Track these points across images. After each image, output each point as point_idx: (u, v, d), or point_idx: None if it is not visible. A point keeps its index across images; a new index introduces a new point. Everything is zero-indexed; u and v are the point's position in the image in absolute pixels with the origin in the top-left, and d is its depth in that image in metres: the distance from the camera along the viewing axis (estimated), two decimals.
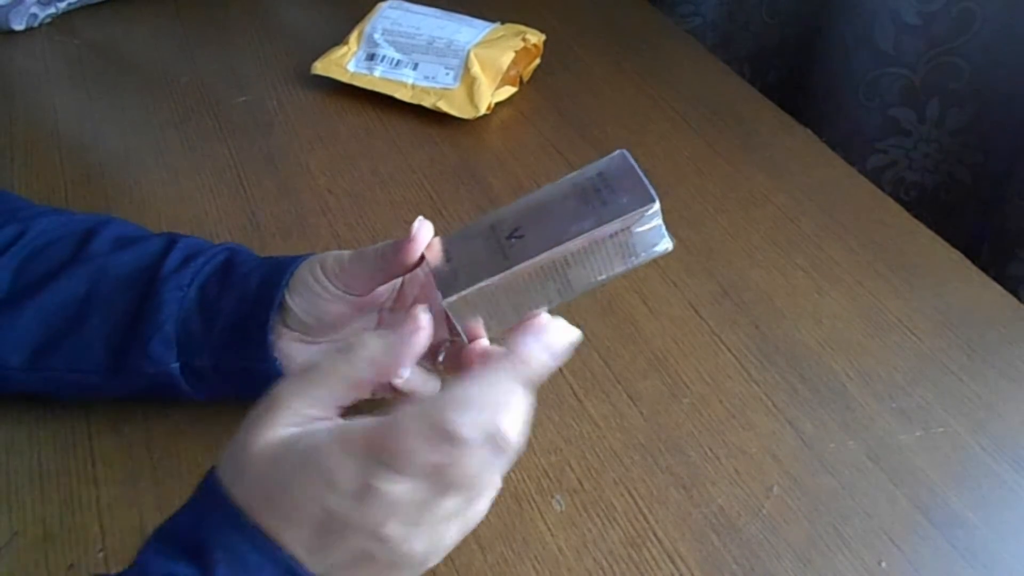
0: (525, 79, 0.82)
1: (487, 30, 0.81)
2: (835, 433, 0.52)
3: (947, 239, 0.66)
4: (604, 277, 0.43)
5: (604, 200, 0.42)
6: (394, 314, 0.50)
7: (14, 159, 0.73)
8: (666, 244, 0.43)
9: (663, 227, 0.42)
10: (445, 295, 0.42)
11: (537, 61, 0.83)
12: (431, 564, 0.36)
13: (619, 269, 0.43)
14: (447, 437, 0.32)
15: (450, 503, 0.34)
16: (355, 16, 0.84)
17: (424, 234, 0.44)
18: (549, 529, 0.48)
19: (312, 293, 0.46)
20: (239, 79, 0.82)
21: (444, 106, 0.76)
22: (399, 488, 0.33)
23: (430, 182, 0.71)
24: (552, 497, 0.49)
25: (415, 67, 0.78)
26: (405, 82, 0.78)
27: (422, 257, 0.44)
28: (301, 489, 0.34)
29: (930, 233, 0.66)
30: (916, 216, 0.68)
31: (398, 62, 0.79)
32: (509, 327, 0.45)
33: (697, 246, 0.65)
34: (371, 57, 0.80)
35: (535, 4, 0.93)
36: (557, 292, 0.44)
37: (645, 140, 0.75)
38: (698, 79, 0.83)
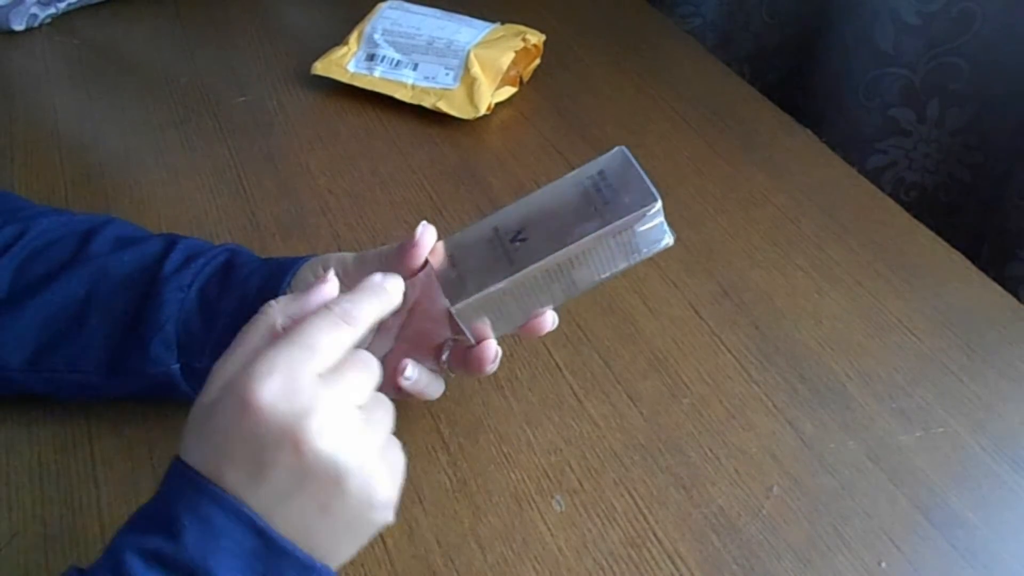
0: (525, 79, 0.82)
1: (487, 30, 0.81)
2: (835, 433, 0.52)
3: (947, 239, 0.66)
4: (608, 275, 0.44)
5: (606, 199, 0.42)
6: (395, 316, 0.50)
7: (14, 159, 0.73)
8: (668, 240, 0.43)
9: (664, 223, 0.43)
10: (453, 302, 0.43)
11: (537, 61, 0.83)
12: (375, 491, 0.36)
13: (622, 266, 0.43)
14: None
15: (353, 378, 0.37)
16: (355, 16, 0.84)
17: (428, 239, 0.44)
18: (549, 529, 0.48)
19: None
20: (239, 79, 0.82)
21: (444, 106, 0.76)
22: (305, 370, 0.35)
23: (430, 182, 0.71)
24: (552, 497, 0.49)
25: (415, 67, 0.78)
26: (405, 82, 0.78)
27: (426, 261, 0.44)
28: (223, 416, 0.35)
29: (930, 233, 0.66)
30: (916, 216, 0.68)
31: (398, 62, 0.79)
32: (515, 327, 0.46)
33: (697, 246, 0.65)
34: (371, 57, 0.80)
35: (535, 4, 0.93)
36: (562, 291, 0.44)
37: (645, 140, 0.75)
38: (698, 79, 0.83)
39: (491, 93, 0.76)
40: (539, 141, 0.75)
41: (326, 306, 0.38)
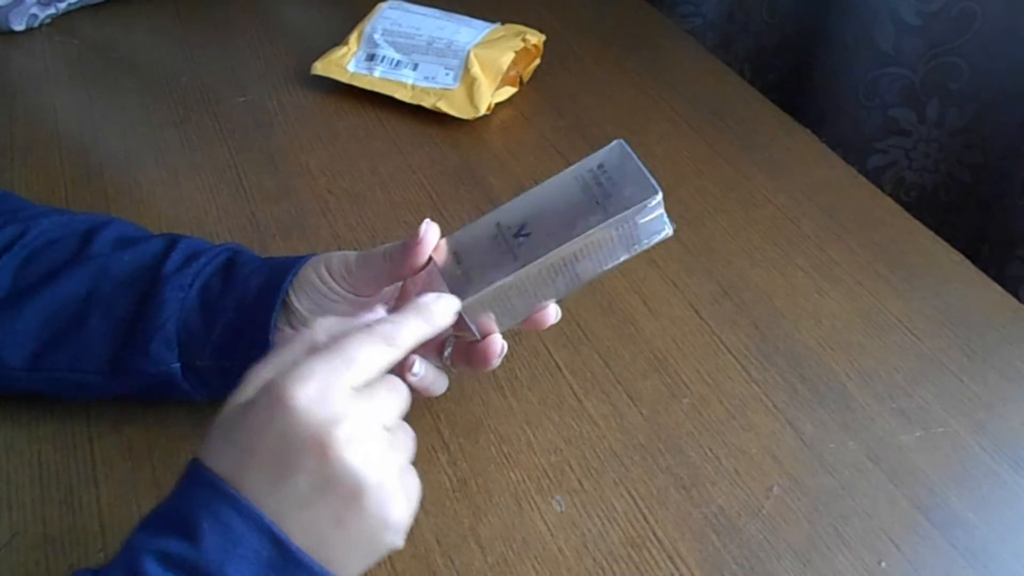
0: (525, 79, 0.82)
1: (487, 30, 0.81)
2: (835, 433, 0.52)
3: (947, 239, 0.66)
4: (610, 266, 0.44)
5: (607, 192, 0.42)
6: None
7: (14, 159, 0.73)
8: (667, 230, 0.44)
9: (664, 214, 0.43)
10: (460, 298, 0.43)
11: (537, 61, 0.83)
12: (391, 511, 0.36)
13: (623, 257, 0.44)
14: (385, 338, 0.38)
15: (382, 401, 0.37)
16: (355, 16, 0.84)
17: (432, 236, 0.44)
18: (549, 529, 0.48)
19: (319, 294, 0.46)
20: (239, 79, 0.82)
21: (444, 106, 0.76)
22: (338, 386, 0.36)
23: (430, 182, 0.71)
24: (552, 497, 0.49)
25: (415, 67, 0.78)
26: (405, 82, 0.78)
27: (429, 258, 0.45)
28: (255, 415, 0.35)
29: (930, 233, 0.66)
30: (916, 216, 0.68)
31: (398, 62, 0.79)
32: (519, 321, 0.46)
33: (697, 246, 0.65)
34: (371, 57, 0.80)
35: (535, 4, 0.93)
36: (565, 285, 0.44)
37: (645, 140, 0.75)
38: (698, 79, 0.83)
39: (491, 93, 0.76)
40: (539, 141, 0.75)
41: (369, 325, 0.39)
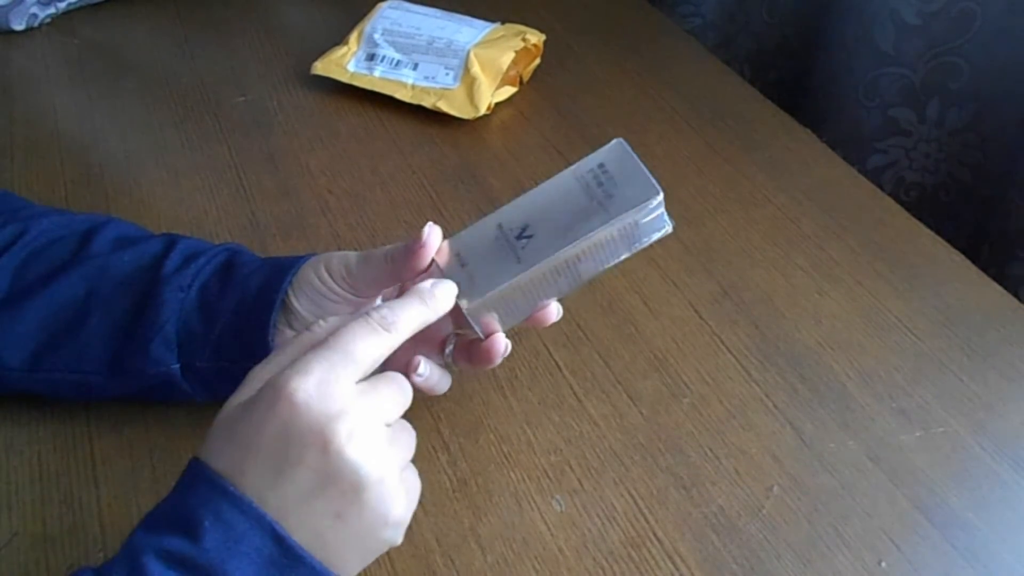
0: (525, 79, 0.82)
1: (487, 30, 0.81)
2: (835, 433, 0.52)
3: (947, 239, 0.66)
4: (611, 264, 0.45)
5: (608, 193, 0.43)
6: None
7: (14, 159, 0.73)
8: (668, 228, 0.44)
9: (664, 212, 0.43)
10: (465, 301, 0.43)
11: (537, 61, 0.83)
12: (391, 507, 0.37)
13: (624, 256, 0.44)
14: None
15: (384, 396, 0.38)
16: (355, 16, 0.84)
17: (434, 239, 0.44)
18: (549, 529, 0.48)
19: (318, 294, 0.46)
20: (239, 79, 0.82)
21: (444, 106, 0.76)
22: (342, 380, 0.36)
23: (430, 182, 0.71)
24: (552, 497, 0.49)
25: (415, 67, 0.78)
26: (405, 82, 0.78)
27: (432, 260, 0.45)
28: (256, 411, 0.36)
29: (930, 233, 0.66)
30: (916, 216, 0.68)
31: (398, 62, 0.79)
32: (522, 319, 0.46)
33: (697, 246, 0.65)
34: (371, 57, 0.80)
35: (535, 4, 0.93)
36: (567, 284, 0.45)
37: (645, 140, 0.75)
38: (698, 79, 0.83)
39: (491, 93, 0.76)
40: (539, 141, 0.75)
41: (365, 312, 0.39)
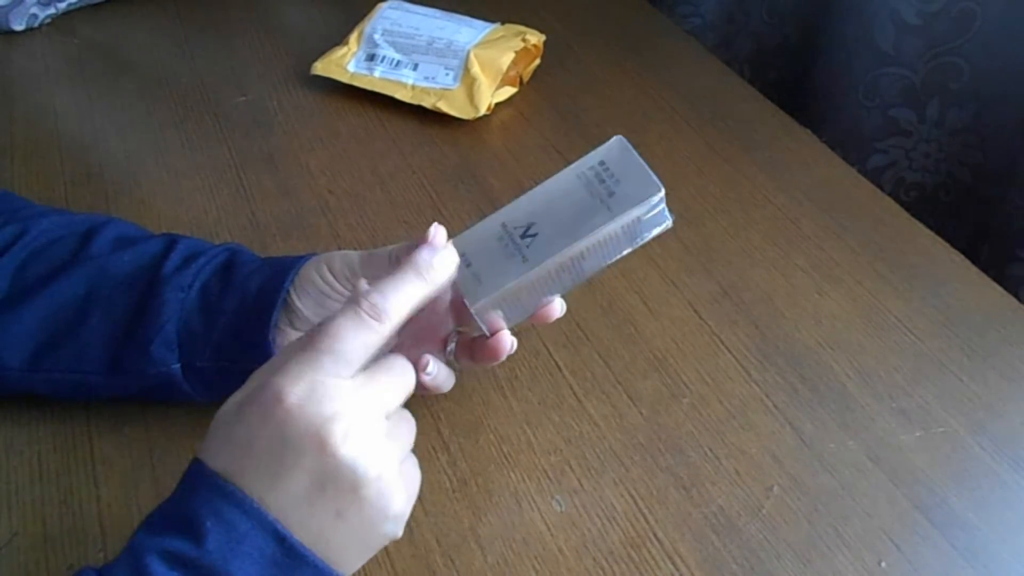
0: (525, 79, 0.82)
1: (487, 30, 0.81)
2: (835, 433, 0.52)
3: (947, 239, 0.66)
4: (613, 260, 0.45)
5: (610, 190, 0.43)
6: None
7: (14, 159, 0.73)
8: (668, 223, 0.45)
9: (666, 208, 0.44)
10: (471, 300, 0.44)
11: (537, 61, 0.83)
12: (390, 501, 0.37)
13: (627, 250, 0.45)
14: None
15: (380, 390, 0.37)
16: (355, 16, 0.84)
17: (440, 239, 0.44)
18: (549, 529, 0.48)
19: (320, 294, 0.46)
20: (239, 79, 0.82)
21: (444, 106, 0.76)
22: (338, 378, 0.36)
23: (430, 182, 0.71)
24: (552, 497, 0.49)
25: (415, 67, 0.78)
26: (405, 82, 0.78)
27: None
28: (251, 415, 0.35)
29: (930, 233, 0.66)
30: (916, 216, 0.68)
31: (398, 62, 0.79)
32: (526, 316, 0.47)
33: (697, 246, 0.65)
34: (371, 57, 0.80)
35: (535, 4, 0.93)
36: (571, 280, 0.45)
37: (645, 140, 0.75)
38: (698, 79, 0.83)
39: (491, 93, 0.76)
40: (539, 141, 0.75)
41: (354, 300, 0.38)
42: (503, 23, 0.83)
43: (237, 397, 0.37)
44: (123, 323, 0.48)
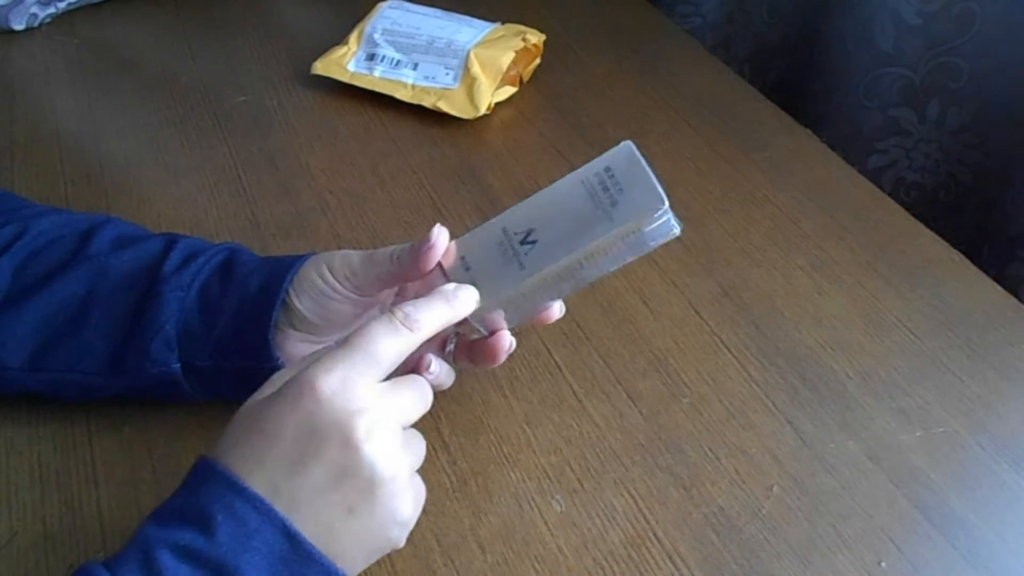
0: (525, 79, 0.82)
1: (487, 30, 0.81)
2: (835, 433, 0.52)
3: (947, 239, 0.66)
4: (615, 269, 0.44)
5: (614, 200, 0.42)
6: None
7: (14, 159, 0.73)
8: (675, 231, 0.44)
9: (671, 217, 0.43)
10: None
11: (537, 61, 0.83)
12: (400, 505, 0.38)
13: (630, 260, 0.44)
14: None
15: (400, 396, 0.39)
16: (355, 16, 0.84)
17: (443, 241, 0.45)
18: (549, 529, 0.48)
19: (320, 294, 0.46)
20: (239, 79, 0.82)
21: (444, 106, 0.76)
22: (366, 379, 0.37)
23: (430, 182, 0.71)
24: (552, 497, 0.49)
25: (415, 67, 0.78)
26: (405, 82, 0.78)
27: (437, 262, 0.45)
28: (280, 404, 0.37)
29: (930, 233, 0.66)
30: (916, 216, 0.68)
31: (398, 62, 0.79)
32: (525, 320, 0.46)
33: (697, 246, 0.65)
34: (371, 57, 0.80)
35: (535, 4, 0.93)
36: (571, 287, 0.45)
37: (645, 140, 0.74)
38: (698, 79, 0.83)
39: (491, 93, 0.76)
40: (539, 141, 0.75)
41: (389, 311, 0.40)
42: (503, 23, 0.83)
43: (262, 393, 0.38)
44: (123, 323, 0.48)
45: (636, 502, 0.49)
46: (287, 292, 0.47)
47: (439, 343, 0.49)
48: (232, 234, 0.65)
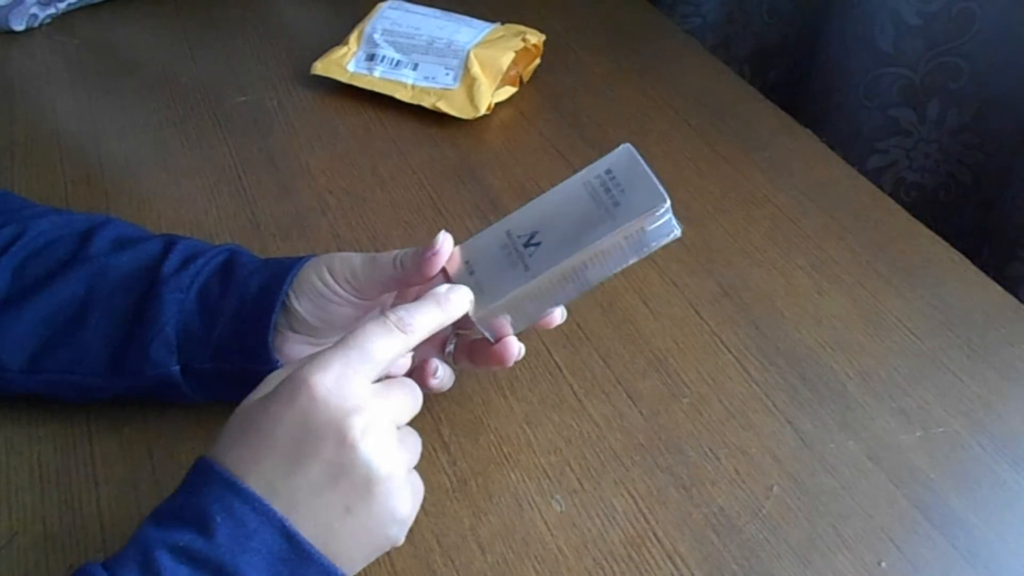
0: (525, 79, 0.82)
1: (487, 30, 0.81)
2: (835, 433, 0.52)
3: (947, 239, 0.66)
4: (618, 269, 0.45)
5: (616, 200, 0.43)
6: None
7: (14, 159, 0.73)
8: (676, 232, 0.44)
9: (672, 218, 0.43)
10: (474, 310, 0.44)
11: (537, 61, 0.83)
12: (398, 503, 0.38)
13: (632, 260, 0.45)
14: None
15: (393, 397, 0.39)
16: (355, 16, 0.84)
17: (448, 247, 0.45)
18: (549, 529, 0.48)
19: (320, 296, 0.46)
20: (239, 79, 0.82)
21: (444, 106, 0.76)
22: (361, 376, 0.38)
23: (430, 182, 0.71)
24: (552, 497, 0.49)
25: (415, 67, 0.78)
26: (405, 82, 0.78)
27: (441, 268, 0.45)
28: (276, 404, 0.37)
29: (930, 233, 0.66)
30: (916, 216, 0.68)
31: (398, 62, 0.79)
32: (530, 324, 0.47)
33: (697, 246, 0.65)
34: (371, 57, 0.80)
35: (535, 4, 0.93)
36: (575, 289, 0.45)
37: (645, 140, 0.75)
38: (698, 79, 0.83)
39: (491, 93, 0.76)
40: (539, 141, 0.75)
41: (383, 313, 0.40)
42: (503, 23, 0.83)
43: (258, 393, 0.38)
44: (122, 324, 0.48)
45: (636, 502, 0.49)
46: (287, 294, 0.47)
47: (439, 344, 0.49)
48: (232, 234, 0.65)
